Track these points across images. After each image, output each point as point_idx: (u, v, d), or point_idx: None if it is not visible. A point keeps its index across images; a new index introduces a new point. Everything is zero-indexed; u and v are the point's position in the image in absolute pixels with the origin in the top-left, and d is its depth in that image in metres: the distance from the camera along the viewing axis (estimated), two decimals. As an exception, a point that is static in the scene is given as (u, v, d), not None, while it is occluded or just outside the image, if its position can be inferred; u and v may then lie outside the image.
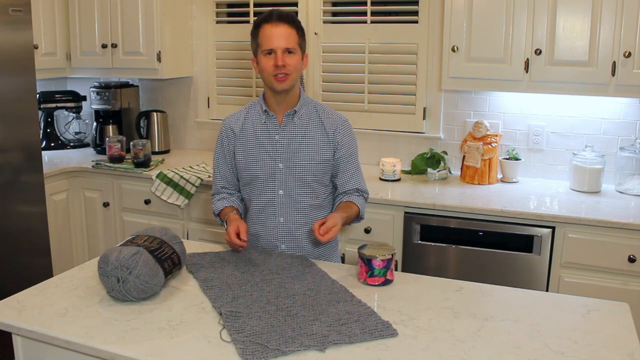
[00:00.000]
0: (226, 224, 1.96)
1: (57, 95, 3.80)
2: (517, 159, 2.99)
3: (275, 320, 1.47)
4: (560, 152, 3.00)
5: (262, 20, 1.91)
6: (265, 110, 2.00)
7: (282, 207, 2.01)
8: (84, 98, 3.89)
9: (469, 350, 1.35)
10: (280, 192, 2.00)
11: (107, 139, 3.44)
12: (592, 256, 2.43)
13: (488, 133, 2.98)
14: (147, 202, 3.22)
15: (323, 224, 1.79)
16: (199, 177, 3.07)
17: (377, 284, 1.72)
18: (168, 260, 1.66)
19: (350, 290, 1.66)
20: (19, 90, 2.80)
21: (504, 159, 3.00)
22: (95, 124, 3.76)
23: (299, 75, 1.97)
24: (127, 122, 3.73)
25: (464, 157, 3.01)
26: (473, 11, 2.72)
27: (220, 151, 2.09)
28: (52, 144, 3.83)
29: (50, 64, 3.53)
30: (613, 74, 2.54)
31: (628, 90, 2.55)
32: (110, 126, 3.70)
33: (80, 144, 3.94)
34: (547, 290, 2.51)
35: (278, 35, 1.88)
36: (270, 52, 1.88)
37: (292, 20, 1.91)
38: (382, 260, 1.71)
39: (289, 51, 1.89)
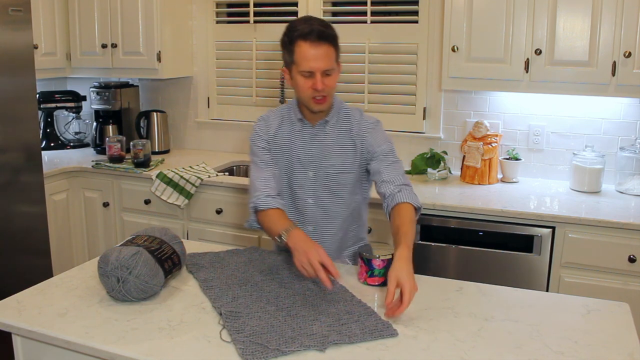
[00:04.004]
0: (284, 236, 1.67)
1: (57, 95, 3.80)
2: (517, 159, 2.99)
3: (275, 320, 1.47)
4: (560, 152, 3.00)
5: (300, 35, 1.79)
6: (301, 119, 1.94)
7: (311, 216, 1.97)
8: (84, 98, 3.89)
9: (469, 350, 1.35)
10: (310, 200, 1.96)
11: (107, 139, 3.44)
12: (592, 256, 2.42)
13: (488, 133, 2.98)
14: (147, 202, 3.22)
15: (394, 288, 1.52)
16: (199, 177, 3.07)
17: (377, 284, 1.72)
18: (168, 260, 1.66)
19: (350, 290, 1.66)
20: (19, 90, 2.80)
21: (504, 159, 3.00)
22: (95, 124, 3.76)
23: (335, 91, 1.90)
24: (127, 122, 3.73)
25: (464, 157, 3.01)
26: (473, 11, 2.72)
27: (262, 153, 1.95)
28: (52, 144, 3.83)
29: (50, 64, 3.53)
30: (613, 74, 2.54)
31: (628, 90, 2.55)
32: (110, 126, 3.70)
33: (80, 144, 3.94)
34: (547, 290, 2.51)
35: (317, 57, 1.78)
36: (309, 74, 1.80)
37: (332, 39, 1.81)
38: (382, 260, 1.71)
39: (327, 73, 1.81)
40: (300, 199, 1.97)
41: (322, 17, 3.34)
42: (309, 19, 1.83)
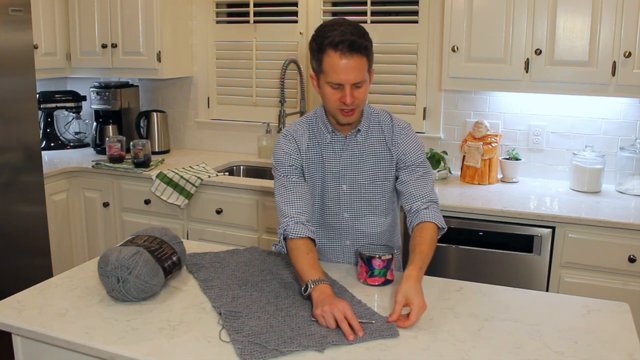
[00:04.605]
0: (310, 287, 1.54)
1: (57, 95, 3.80)
2: (517, 159, 2.99)
3: (275, 320, 1.47)
4: (560, 152, 3.00)
5: (330, 44, 1.65)
6: (333, 130, 1.83)
7: (348, 230, 1.90)
8: (84, 98, 3.89)
9: (469, 350, 1.35)
10: (346, 215, 1.88)
11: (107, 139, 3.44)
12: (592, 256, 2.42)
13: (488, 133, 2.98)
14: (147, 202, 3.22)
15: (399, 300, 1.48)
16: (199, 177, 3.07)
17: (377, 284, 1.72)
18: (168, 260, 1.66)
19: (350, 291, 1.66)
20: (19, 90, 2.81)
21: (504, 159, 3.00)
22: (95, 124, 3.76)
23: (365, 102, 1.78)
24: (127, 122, 3.73)
25: (464, 157, 3.01)
26: (473, 11, 2.72)
27: (290, 171, 1.82)
28: (52, 144, 3.83)
29: (50, 64, 3.53)
30: (613, 74, 2.54)
31: (628, 90, 2.55)
32: (110, 126, 3.70)
33: (80, 144, 3.94)
34: (547, 290, 2.51)
35: (347, 69, 1.64)
36: (338, 86, 1.68)
37: (364, 49, 1.66)
38: (382, 260, 1.70)
39: (357, 85, 1.68)
40: (335, 215, 1.89)
41: (322, 17, 3.35)
42: (341, 24, 1.67)
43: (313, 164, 1.86)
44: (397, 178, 1.87)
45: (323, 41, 1.67)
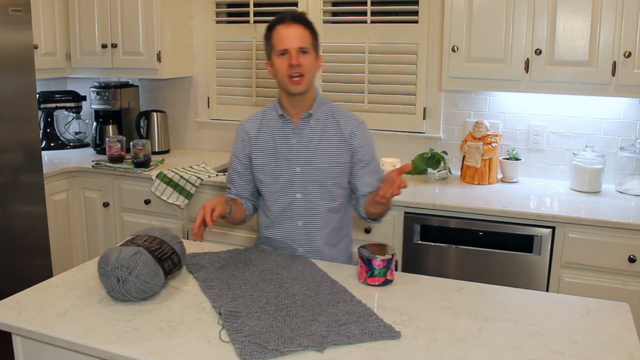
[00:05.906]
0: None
1: (57, 95, 3.80)
2: (517, 159, 2.99)
3: (275, 320, 1.47)
4: (560, 152, 3.00)
5: (276, 22, 1.92)
6: (282, 115, 1.99)
7: (300, 211, 2.00)
8: (84, 98, 3.89)
9: (469, 350, 1.35)
10: (298, 195, 1.99)
11: (107, 139, 3.44)
12: (592, 256, 2.42)
13: (488, 133, 2.98)
14: (147, 202, 3.22)
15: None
16: (199, 177, 3.07)
17: (377, 284, 1.72)
18: (168, 260, 1.66)
19: (350, 291, 1.66)
20: (19, 90, 2.80)
21: (504, 159, 3.00)
22: (95, 124, 3.76)
23: (313, 77, 1.95)
24: (127, 122, 3.73)
25: (464, 157, 3.01)
26: (473, 11, 2.72)
27: (235, 156, 2.09)
28: (52, 144, 3.83)
29: (50, 64, 3.53)
30: (613, 74, 2.54)
31: (628, 90, 2.55)
32: (110, 126, 3.70)
33: (80, 144, 3.94)
34: (547, 290, 2.51)
35: (292, 35, 1.88)
36: (284, 52, 1.88)
37: (305, 21, 1.92)
38: (382, 260, 1.71)
39: (303, 51, 1.88)
40: (289, 195, 2.00)
41: (322, 17, 3.35)
42: (286, 12, 1.95)
43: (264, 148, 2.02)
44: (351, 174, 2.01)
45: (271, 23, 1.94)
